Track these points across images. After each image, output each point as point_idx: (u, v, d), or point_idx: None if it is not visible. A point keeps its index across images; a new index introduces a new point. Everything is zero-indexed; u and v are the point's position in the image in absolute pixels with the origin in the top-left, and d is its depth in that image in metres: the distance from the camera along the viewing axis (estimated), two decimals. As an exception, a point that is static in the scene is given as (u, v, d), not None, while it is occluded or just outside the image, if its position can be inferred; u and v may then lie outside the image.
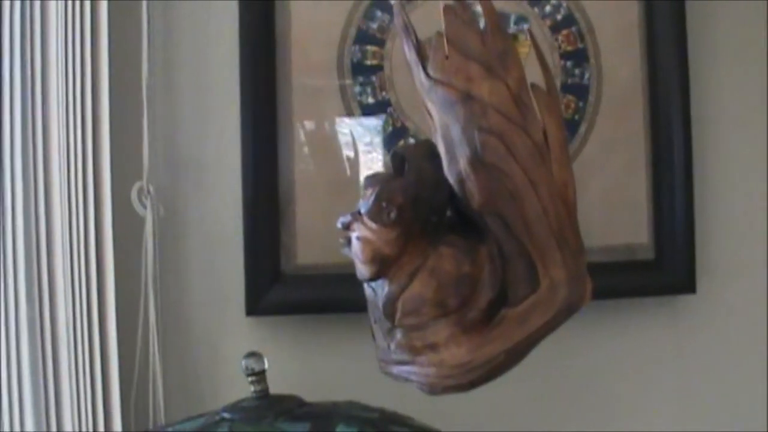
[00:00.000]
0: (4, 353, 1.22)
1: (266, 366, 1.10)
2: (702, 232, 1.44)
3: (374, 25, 1.38)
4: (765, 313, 1.47)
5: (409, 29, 0.95)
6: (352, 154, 1.38)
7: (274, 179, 1.35)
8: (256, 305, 1.34)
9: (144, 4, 1.32)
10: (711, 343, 1.47)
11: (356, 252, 0.93)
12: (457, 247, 0.93)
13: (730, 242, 1.47)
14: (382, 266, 0.92)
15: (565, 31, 1.42)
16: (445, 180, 0.94)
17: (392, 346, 0.96)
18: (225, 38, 1.37)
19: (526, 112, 0.92)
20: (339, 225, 0.94)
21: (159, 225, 1.33)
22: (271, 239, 1.35)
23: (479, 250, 0.93)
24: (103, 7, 1.27)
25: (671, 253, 1.42)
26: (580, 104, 1.42)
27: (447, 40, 0.92)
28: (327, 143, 1.38)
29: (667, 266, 1.42)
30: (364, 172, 1.36)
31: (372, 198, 0.91)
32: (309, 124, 1.37)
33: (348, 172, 1.38)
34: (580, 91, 1.42)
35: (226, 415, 1.06)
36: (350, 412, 1.08)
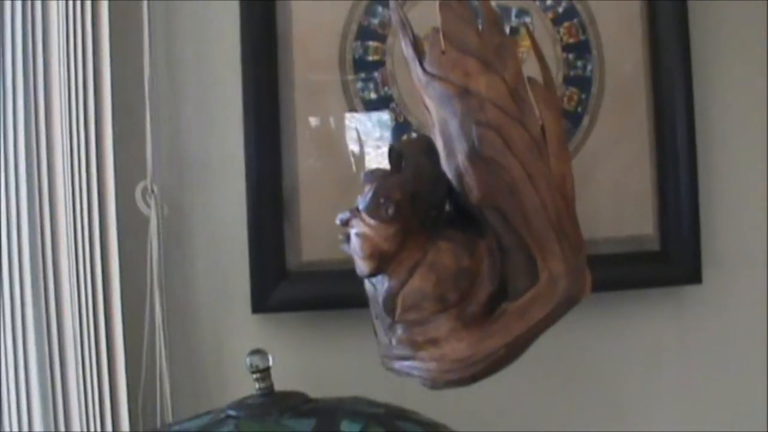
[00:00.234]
0: (11, 353, 1.23)
1: (270, 363, 1.10)
2: (707, 223, 1.44)
3: (375, 21, 1.38)
4: (770, 304, 1.48)
5: (405, 25, 0.95)
6: (355, 149, 1.38)
7: (277, 176, 1.36)
8: (261, 303, 1.35)
9: (145, 3, 1.32)
10: (716, 334, 1.47)
11: (355, 248, 0.93)
12: (455, 242, 0.93)
13: (736, 233, 1.47)
14: (381, 262, 0.92)
15: (566, 24, 1.42)
16: (443, 175, 0.94)
17: (394, 342, 0.96)
18: (227, 36, 1.37)
19: (523, 106, 0.92)
20: (338, 222, 0.95)
21: (163, 224, 1.33)
22: (276, 237, 1.35)
23: (478, 244, 0.93)
24: (104, 7, 1.27)
25: (677, 244, 1.42)
26: (583, 96, 1.42)
27: (443, 36, 0.92)
28: (330, 140, 1.38)
29: (672, 257, 1.42)
30: (368, 168, 1.36)
31: (370, 194, 0.91)
32: (312, 121, 1.38)
33: (352, 168, 1.38)
34: (582, 83, 1.42)
35: (231, 412, 1.06)
36: (355, 407, 1.08)
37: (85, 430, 1.23)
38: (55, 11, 1.25)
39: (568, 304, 0.94)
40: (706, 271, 1.43)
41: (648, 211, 1.43)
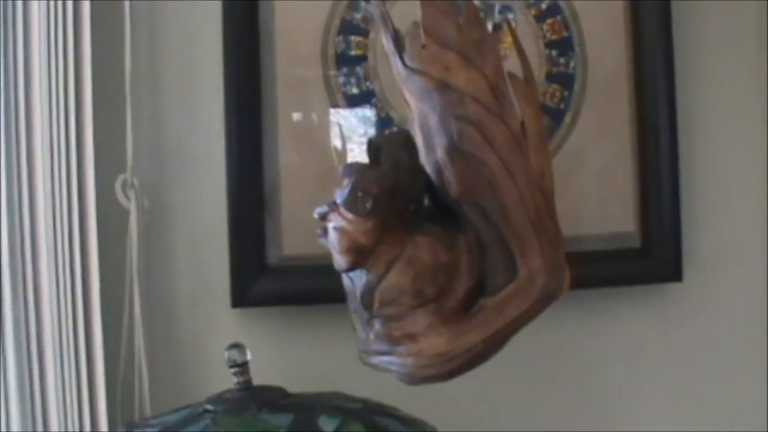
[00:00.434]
0: (-12, 346, 1.22)
1: (249, 357, 1.09)
2: (688, 221, 1.44)
3: (358, 15, 1.37)
4: (751, 301, 1.48)
5: (386, 19, 0.95)
6: (337, 144, 1.38)
7: (259, 170, 1.35)
8: (241, 297, 1.34)
9: (128, -6, 1.32)
10: (697, 331, 1.47)
11: (333, 242, 0.93)
12: (434, 236, 0.93)
13: (717, 231, 1.47)
14: (359, 256, 0.92)
15: (550, 20, 1.42)
16: (422, 169, 0.94)
17: (371, 337, 0.96)
18: (209, 29, 1.36)
19: (503, 101, 0.92)
20: (316, 215, 0.94)
21: (143, 217, 1.32)
22: (257, 231, 1.35)
23: (457, 239, 0.93)
24: (86, -4, 1.27)
25: (658, 241, 1.42)
26: (566, 93, 1.42)
27: (424, 30, 0.93)
28: (312, 134, 1.38)
29: (653, 255, 1.42)
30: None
31: (348, 188, 0.91)
32: (294, 116, 1.37)
33: (334, 162, 1.37)
34: (565, 79, 1.42)
35: (209, 407, 1.06)
36: (334, 402, 1.08)
37: (63, 422, 1.22)
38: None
39: (546, 300, 0.94)
40: (687, 269, 1.43)
41: (629, 208, 1.43)
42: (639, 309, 1.46)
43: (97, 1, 1.28)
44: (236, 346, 1.10)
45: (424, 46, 0.92)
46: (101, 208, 1.27)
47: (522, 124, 0.92)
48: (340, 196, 0.92)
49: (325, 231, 0.94)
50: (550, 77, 1.41)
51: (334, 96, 1.38)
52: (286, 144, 1.36)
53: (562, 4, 1.42)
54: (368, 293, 0.93)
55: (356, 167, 0.94)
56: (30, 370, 1.22)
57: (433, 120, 0.92)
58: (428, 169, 0.94)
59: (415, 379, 0.96)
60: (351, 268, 0.93)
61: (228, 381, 1.10)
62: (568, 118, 1.41)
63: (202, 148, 1.37)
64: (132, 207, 1.31)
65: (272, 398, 1.07)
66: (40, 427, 1.22)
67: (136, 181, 1.31)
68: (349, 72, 1.38)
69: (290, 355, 1.37)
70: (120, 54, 1.32)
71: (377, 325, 0.95)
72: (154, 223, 1.35)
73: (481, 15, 0.95)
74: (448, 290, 0.93)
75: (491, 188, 0.92)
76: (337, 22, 1.37)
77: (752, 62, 1.48)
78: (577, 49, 1.42)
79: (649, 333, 1.46)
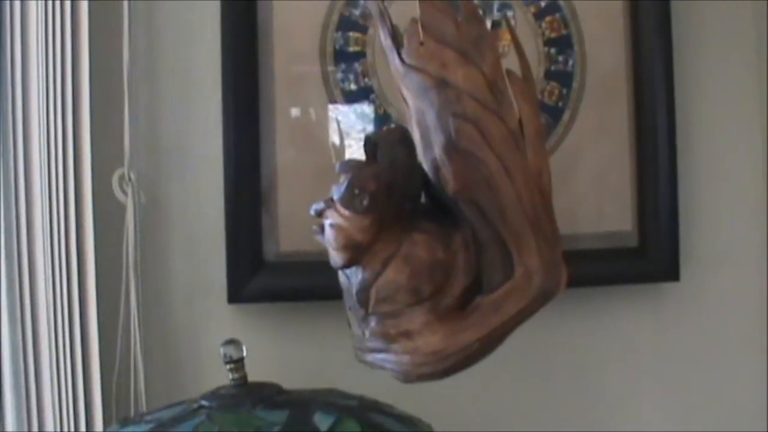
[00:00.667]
0: (-17, 340, 1.22)
1: (244, 353, 1.09)
2: (686, 220, 1.44)
3: (357, 12, 1.37)
4: (747, 301, 1.48)
5: (384, 15, 0.95)
6: (335, 140, 1.38)
7: (256, 166, 1.35)
8: (238, 293, 1.34)
9: (126, -9, 1.32)
10: (694, 331, 1.47)
11: (329, 239, 0.92)
12: (431, 234, 0.93)
13: (714, 230, 1.47)
14: (355, 253, 0.92)
15: (549, 18, 1.41)
16: (419, 166, 0.94)
17: (367, 334, 0.96)
18: (207, 25, 1.36)
19: (501, 98, 0.92)
20: (312, 212, 0.94)
21: (140, 212, 1.32)
22: (254, 226, 1.35)
23: (453, 237, 0.93)
24: (84, -8, 1.26)
25: (655, 240, 1.42)
26: (564, 91, 1.41)
27: (422, 26, 0.92)
28: (309, 130, 1.38)
29: (650, 254, 1.42)
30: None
31: (345, 185, 0.91)
32: (291, 112, 1.37)
33: (331, 159, 1.37)
34: (564, 78, 1.42)
35: (204, 402, 1.06)
36: (329, 399, 1.08)
37: (58, 418, 1.22)
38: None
39: (543, 298, 0.94)
40: (684, 269, 1.43)
41: (627, 207, 1.43)
42: (636, 308, 1.46)
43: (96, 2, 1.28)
44: (232, 342, 1.10)
45: (422, 43, 0.92)
46: (98, 202, 1.27)
47: (520, 121, 0.92)
48: (336, 192, 0.91)
49: (322, 228, 0.94)
50: (549, 75, 1.41)
51: (332, 92, 1.37)
52: (284, 140, 1.36)
53: (561, 2, 1.42)
54: (364, 290, 0.93)
55: (353, 164, 0.94)
56: (25, 364, 1.22)
57: (431, 117, 0.92)
58: (425, 166, 0.93)
59: (410, 377, 0.95)
60: (347, 265, 0.93)
61: (223, 377, 1.10)
62: (566, 116, 1.41)
63: (199, 144, 1.37)
64: (129, 202, 1.31)
65: (268, 395, 1.07)
66: (35, 422, 1.22)
67: (133, 176, 1.31)
68: (347, 68, 1.37)
69: (286, 352, 1.37)
70: (118, 49, 1.32)
71: (373, 322, 0.95)
72: (150, 218, 1.35)
73: (480, 12, 0.95)
74: (444, 288, 0.93)
75: (488, 186, 0.91)
76: (335, 18, 1.37)
77: (751, 62, 1.48)
78: (576, 48, 1.42)
79: (645, 332, 1.46)
